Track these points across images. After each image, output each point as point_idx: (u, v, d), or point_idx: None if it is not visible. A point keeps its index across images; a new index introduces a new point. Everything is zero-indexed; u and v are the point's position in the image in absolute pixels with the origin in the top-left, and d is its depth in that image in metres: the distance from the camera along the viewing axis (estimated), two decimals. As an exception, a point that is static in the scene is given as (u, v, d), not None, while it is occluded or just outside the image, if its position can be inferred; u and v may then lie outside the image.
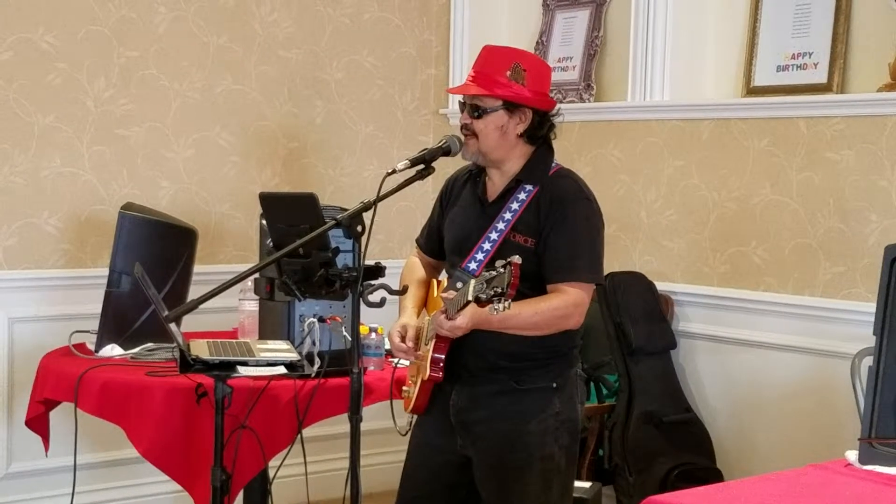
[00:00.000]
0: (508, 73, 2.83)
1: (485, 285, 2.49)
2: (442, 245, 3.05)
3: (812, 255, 3.93)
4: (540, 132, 2.89)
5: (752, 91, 4.20)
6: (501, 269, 2.47)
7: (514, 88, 2.83)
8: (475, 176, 2.97)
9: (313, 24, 4.79)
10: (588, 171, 4.49)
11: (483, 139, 2.85)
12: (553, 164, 2.92)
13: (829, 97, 3.93)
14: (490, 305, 2.49)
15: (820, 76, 4.00)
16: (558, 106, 2.92)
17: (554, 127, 2.92)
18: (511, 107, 2.84)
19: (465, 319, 2.70)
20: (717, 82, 4.37)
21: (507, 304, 2.47)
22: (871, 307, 3.61)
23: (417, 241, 3.17)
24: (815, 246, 3.93)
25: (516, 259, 2.47)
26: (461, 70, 5.01)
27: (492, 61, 2.87)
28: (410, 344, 2.88)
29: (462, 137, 2.89)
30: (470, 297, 2.56)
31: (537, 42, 4.91)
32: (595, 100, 4.65)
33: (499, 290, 2.45)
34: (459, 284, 2.75)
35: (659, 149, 4.39)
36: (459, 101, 2.93)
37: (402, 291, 2.93)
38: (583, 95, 4.68)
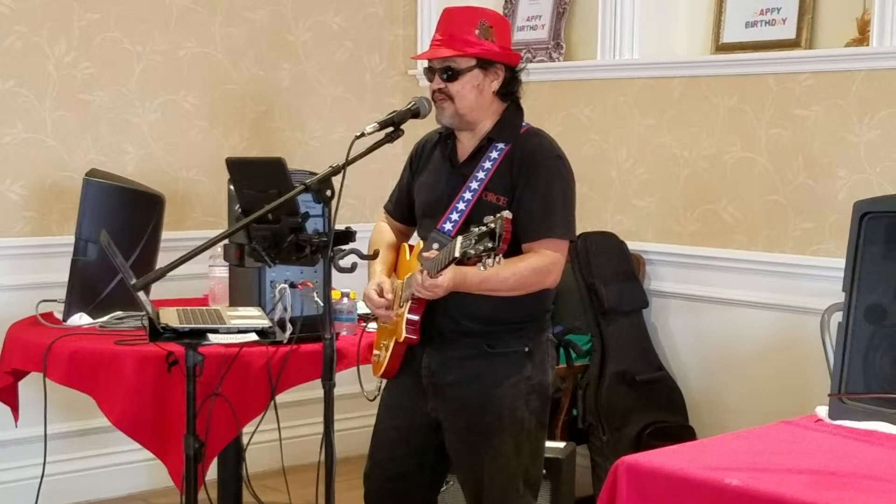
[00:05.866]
0: (476, 31, 2.81)
1: (473, 241, 2.44)
2: (411, 210, 3.03)
3: (782, 211, 3.94)
4: (512, 88, 2.88)
5: (721, 48, 4.19)
6: (492, 224, 2.42)
7: (485, 45, 2.82)
8: (445, 139, 2.95)
9: (279, -15, 4.73)
10: (558, 130, 4.46)
11: (460, 100, 2.82)
12: (523, 124, 2.92)
13: (797, 53, 3.92)
14: (479, 262, 2.44)
15: (788, 32, 3.99)
16: (524, 58, 2.91)
17: (521, 83, 2.90)
18: (485, 64, 2.83)
19: (446, 279, 2.67)
20: (687, 40, 4.36)
21: (497, 259, 2.42)
22: (841, 263, 3.61)
23: (386, 206, 3.14)
24: (784, 203, 3.94)
25: (507, 214, 2.43)
26: (430, 30, 4.95)
27: (456, 22, 2.84)
28: (390, 296, 2.85)
29: (432, 101, 2.86)
30: (457, 254, 2.49)
31: (506, 1, 4.87)
32: (564, 59, 4.62)
33: (490, 245, 2.41)
34: (436, 245, 2.72)
35: (629, 107, 4.37)
36: (426, 67, 2.89)
37: (373, 256, 2.91)
38: (552, 54, 4.65)
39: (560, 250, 2.81)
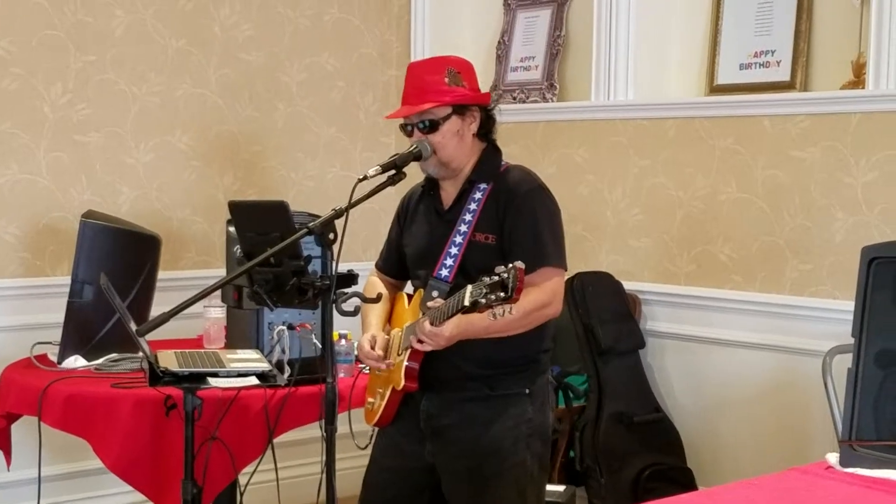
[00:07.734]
0: (446, 79, 2.83)
1: (484, 290, 2.45)
2: (402, 264, 3.03)
3: (779, 252, 3.95)
4: (490, 126, 2.91)
5: (715, 89, 4.21)
6: (505, 274, 2.43)
7: (458, 91, 2.84)
8: (428, 190, 2.97)
9: (273, 26, 4.74)
10: (553, 171, 4.48)
11: (442, 149, 2.84)
12: (502, 162, 2.93)
13: (793, 95, 3.95)
14: (490, 311, 2.45)
15: (783, 74, 4.01)
16: (494, 96, 2.93)
17: (496, 121, 2.93)
18: (461, 110, 2.85)
19: (449, 327, 2.67)
20: (681, 81, 4.38)
21: (510, 309, 2.44)
22: (839, 304, 3.67)
23: (377, 264, 3.13)
24: (781, 244, 3.94)
25: (520, 264, 2.44)
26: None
27: (424, 75, 2.87)
28: (380, 352, 2.86)
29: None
30: (466, 303, 2.50)
31: (499, 42, 4.89)
32: (558, 99, 4.64)
33: (503, 294, 2.42)
34: (436, 293, 2.72)
35: (624, 148, 4.38)
36: (401, 125, 2.90)
37: (376, 300, 2.90)
38: (546, 95, 4.67)
39: (557, 279, 2.82)
